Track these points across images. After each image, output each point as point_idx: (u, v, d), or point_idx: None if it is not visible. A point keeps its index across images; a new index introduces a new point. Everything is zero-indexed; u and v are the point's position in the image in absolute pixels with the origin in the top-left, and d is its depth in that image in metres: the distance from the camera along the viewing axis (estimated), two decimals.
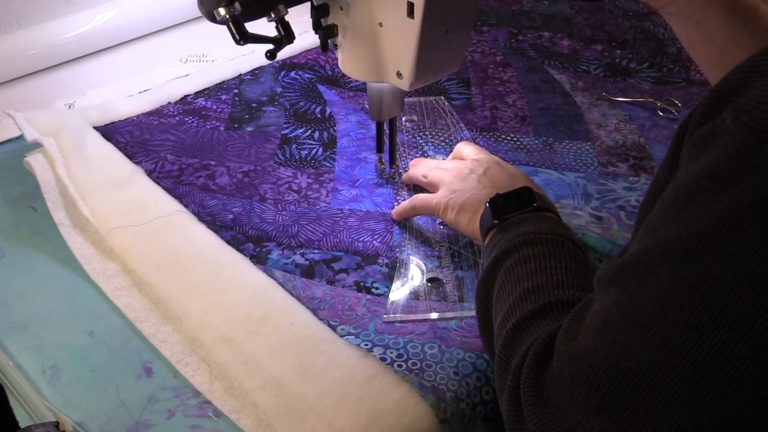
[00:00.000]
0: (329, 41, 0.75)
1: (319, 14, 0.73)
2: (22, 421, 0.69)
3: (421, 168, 0.83)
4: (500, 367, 0.55)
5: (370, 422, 0.60)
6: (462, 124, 0.96)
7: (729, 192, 0.39)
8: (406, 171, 0.86)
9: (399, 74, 0.71)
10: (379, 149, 0.87)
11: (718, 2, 0.62)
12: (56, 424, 0.60)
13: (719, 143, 0.40)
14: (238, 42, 0.68)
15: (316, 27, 0.74)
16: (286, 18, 0.70)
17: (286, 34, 0.71)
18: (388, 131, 0.86)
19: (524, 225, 0.63)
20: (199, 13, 1.19)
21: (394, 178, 0.88)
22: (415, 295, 0.72)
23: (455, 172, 0.77)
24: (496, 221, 0.66)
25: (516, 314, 0.56)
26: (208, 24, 1.17)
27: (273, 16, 0.70)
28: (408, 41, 0.67)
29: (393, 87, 0.75)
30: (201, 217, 0.80)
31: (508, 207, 0.66)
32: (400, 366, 0.64)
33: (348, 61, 0.75)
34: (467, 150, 0.81)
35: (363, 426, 0.60)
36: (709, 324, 0.40)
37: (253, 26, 0.69)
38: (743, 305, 0.39)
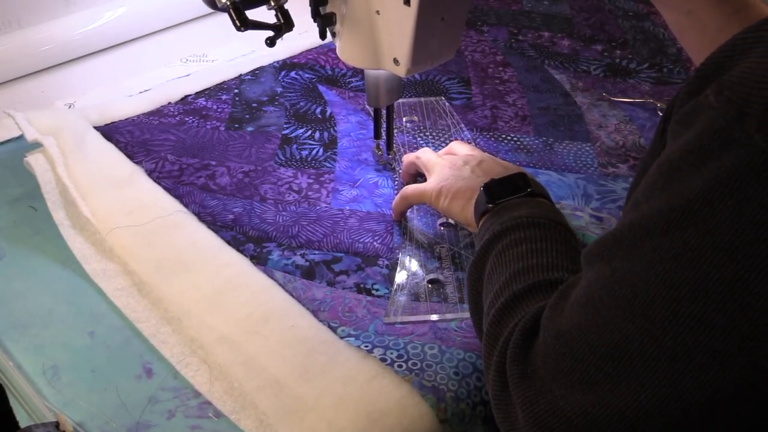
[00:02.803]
0: (327, 29, 0.77)
1: (317, 3, 0.74)
2: (23, 421, 0.69)
3: (413, 153, 0.83)
4: (488, 345, 0.55)
5: (370, 422, 0.60)
6: (462, 125, 0.96)
7: (710, 165, 0.40)
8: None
9: (396, 61, 0.72)
10: (377, 135, 0.88)
11: None
12: (56, 425, 0.60)
13: (702, 119, 0.41)
14: (238, 28, 0.70)
15: (315, 15, 0.75)
16: (286, 6, 0.72)
17: (286, 22, 0.73)
18: (385, 119, 0.87)
19: (517, 209, 0.64)
20: (199, 13, 1.20)
21: (392, 164, 0.88)
22: (415, 296, 0.72)
23: (449, 161, 0.77)
24: (490, 206, 0.66)
25: (505, 294, 0.56)
26: (208, 24, 1.18)
27: (273, 3, 0.71)
28: (404, 28, 0.68)
29: (390, 74, 0.76)
30: (201, 217, 0.80)
31: (503, 192, 0.67)
32: (400, 366, 0.64)
33: (346, 49, 0.76)
34: (459, 147, 0.82)
35: (363, 426, 0.60)
36: (689, 295, 0.40)
37: (254, 15, 0.71)
38: (722, 276, 0.39)
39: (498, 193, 0.67)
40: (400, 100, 0.98)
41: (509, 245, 0.60)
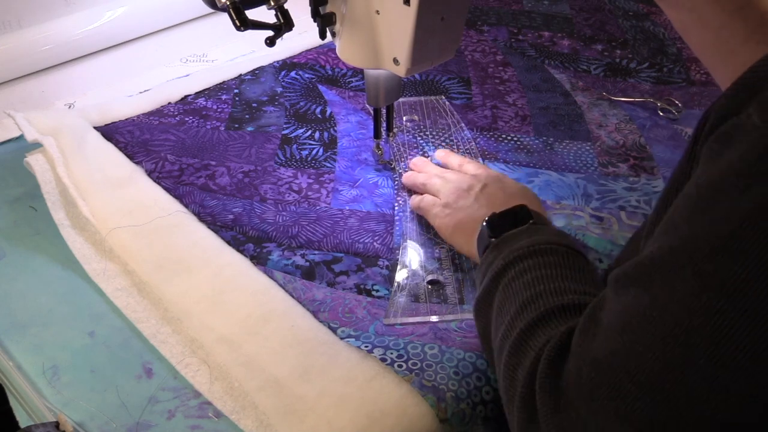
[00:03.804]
0: (327, 29, 0.77)
1: (317, 2, 0.75)
2: (23, 421, 0.69)
3: (421, 176, 0.83)
4: (507, 377, 0.54)
5: (371, 422, 0.60)
6: (462, 124, 0.96)
7: (757, 188, 0.38)
8: (406, 170, 0.86)
9: (395, 61, 0.72)
10: (377, 135, 0.88)
11: None
12: (56, 425, 0.60)
13: (745, 139, 0.40)
14: (238, 28, 0.70)
15: (315, 15, 0.75)
16: (285, 6, 0.73)
17: (285, 21, 0.73)
18: (385, 117, 0.87)
19: (518, 240, 0.63)
20: (198, 13, 1.19)
21: (391, 163, 0.88)
22: (415, 297, 0.71)
23: (454, 187, 0.77)
24: (492, 239, 0.66)
25: (518, 325, 0.55)
26: (208, 24, 1.18)
27: (272, 3, 0.72)
28: (404, 28, 0.68)
29: (390, 73, 0.77)
30: (201, 217, 0.80)
31: (505, 225, 0.66)
32: (400, 366, 0.64)
33: (346, 48, 0.76)
34: (469, 166, 0.81)
35: (363, 426, 0.60)
36: (737, 327, 0.39)
37: (254, 14, 0.71)
38: None
39: (500, 226, 0.66)
40: (401, 99, 0.98)
41: (515, 277, 0.59)
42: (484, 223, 0.67)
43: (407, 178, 0.84)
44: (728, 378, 0.40)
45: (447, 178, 0.80)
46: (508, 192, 0.75)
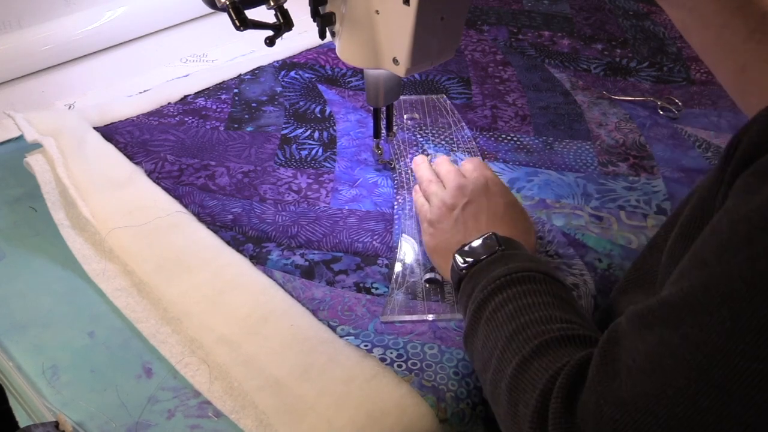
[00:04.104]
0: (327, 29, 0.77)
1: (317, 2, 0.74)
2: (22, 421, 0.69)
3: (426, 173, 0.81)
4: (509, 414, 0.52)
5: (370, 422, 0.60)
6: (463, 123, 0.96)
7: None
8: (406, 168, 0.86)
9: (395, 60, 0.72)
10: (376, 135, 0.88)
11: None
12: (56, 425, 0.60)
13: None
14: (238, 28, 0.70)
15: (315, 15, 0.75)
16: (285, 6, 0.72)
17: (285, 21, 0.73)
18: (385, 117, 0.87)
19: (492, 269, 0.62)
20: (199, 13, 1.19)
21: (391, 163, 0.88)
22: (413, 295, 0.72)
23: (440, 201, 0.75)
24: (464, 271, 0.65)
25: (511, 359, 0.54)
26: (208, 24, 1.18)
27: (272, 3, 0.71)
28: (404, 28, 0.68)
29: (389, 73, 0.76)
30: (201, 217, 0.80)
31: (474, 255, 0.65)
32: (400, 366, 0.64)
33: (345, 48, 0.76)
34: (468, 165, 0.79)
35: (363, 425, 0.60)
36: None
37: (253, 14, 0.71)
38: None
39: (470, 256, 0.65)
40: (402, 97, 0.98)
41: (496, 309, 0.58)
42: (455, 255, 0.66)
43: (417, 164, 0.83)
44: (765, 424, 0.38)
45: (438, 190, 0.77)
46: (490, 211, 0.72)
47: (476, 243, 0.66)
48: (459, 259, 0.65)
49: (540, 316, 0.55)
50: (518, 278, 0.59)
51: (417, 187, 0.81)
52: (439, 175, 0.80)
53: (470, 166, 0.78)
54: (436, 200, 0.75)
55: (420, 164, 0.83)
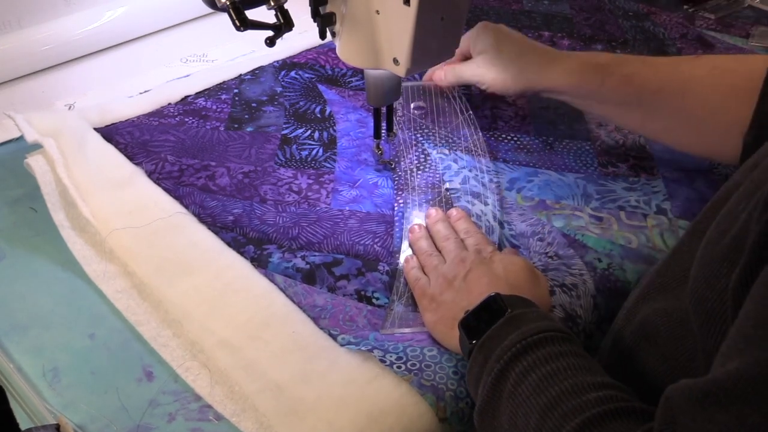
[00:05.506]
0: (327, 29, 0.77)
1: (317, 2, 0.74)
2: (23, 423, 0.69)
3: (424, 245, 0.76)
4: None
5: (370, 422, 0.60)
6: (471, 112, 0.94)
7: None
8: (406, 168, 0.86)
9: (395, 61, 0.72)
10: (377, 135, 0.88)
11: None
12: (57, 427, 0.60)
13: None
14: (238, 28, 0.70)
15: (315, 15, 0.75)
16: (285, 6, 0.72)
17: (285, 21, 0.73)
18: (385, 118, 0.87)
19: (504, 336, 0.58)
20: (199, 13, 1.19)
21: (391, 164, 0.88)
22: (413, 307, 0.71)
23: (441, 276, 0.70)
24: (474, 342, 0.60)
25: None
26: (208, 24, 1.18)
27: (272, 3, 0.71)
28: (404, 28, 0.68)
29: (390, 73, 0.76)
30: (201, 218, 0.80)
31: (480, 324, 0.61)
32: (399, 367, 0.64)
33: (345, 49, 0.76)
34: (470, 240, 0.75)
35: (363, 425, 0.60)
36: None
37: (254, 14, 0.71)
38: None
39: (476, 326, 0.61)
40: (409, 84, 0.98)
41: (519, 381, 0.54)
42: (459, 328, 0.62)
43: (414, 235, 0.78)
44: None
45: (439, 264, 0.73)
46: (491, 274, 0.68)
47: (479, 307, 0.62)
48: (464, 328, 0.62)
49: (570, 385, 0.52)
50: (534, 341, 0.56)
51: (408, 258, 0.75)
52: (437, 242, 0.76)
53: (463, 225, 0.76)
54: (439, 275, 0.71)
55: (419, 239, 0.77)
